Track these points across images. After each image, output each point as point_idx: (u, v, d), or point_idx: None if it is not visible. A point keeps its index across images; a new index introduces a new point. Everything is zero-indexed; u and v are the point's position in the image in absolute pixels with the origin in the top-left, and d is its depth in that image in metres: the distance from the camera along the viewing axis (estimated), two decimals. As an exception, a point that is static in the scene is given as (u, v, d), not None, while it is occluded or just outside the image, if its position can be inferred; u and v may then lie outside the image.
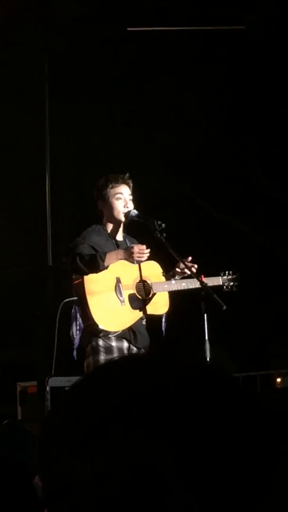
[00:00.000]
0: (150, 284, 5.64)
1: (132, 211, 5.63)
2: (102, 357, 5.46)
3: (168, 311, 5.73)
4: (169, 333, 5.81)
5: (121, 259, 5.51)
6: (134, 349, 5.57)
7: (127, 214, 5.63)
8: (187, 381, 0.97)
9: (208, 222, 7.57)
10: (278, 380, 7.18)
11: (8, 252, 8.01)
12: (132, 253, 5.49)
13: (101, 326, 5.43)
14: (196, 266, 5.63)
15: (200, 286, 5.47)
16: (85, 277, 5.46)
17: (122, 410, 0.93)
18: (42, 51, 8.24)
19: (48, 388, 2.42)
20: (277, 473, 0.96)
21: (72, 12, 7.97)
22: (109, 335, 5.49)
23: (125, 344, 5.55)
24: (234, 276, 5.95)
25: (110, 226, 5.73)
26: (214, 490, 0.92)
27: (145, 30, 7.93)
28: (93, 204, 5.78)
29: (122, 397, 0.94)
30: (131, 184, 5.72)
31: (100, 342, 5.48)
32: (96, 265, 5.38)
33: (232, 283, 5.93)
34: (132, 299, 5.60)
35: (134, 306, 5.59)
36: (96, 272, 5.43)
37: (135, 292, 5.61)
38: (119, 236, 5.76)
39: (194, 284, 5.56)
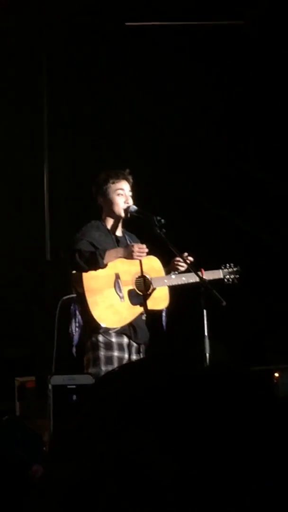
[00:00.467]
0: (150, 279, 5.65)
1: (131, 207, 5.65)
2: (102, 353, 5.46)
3: (168, 306, 5.74)
4: (169, 329, 5.81)
5: (120, 257, 5.52)
6: (134, 345, 5.58)
7: (126, 210, 5.65)
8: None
9: (207, 217, 7.57)
10: (276, 375, 7.19)
11: (6, 247, 8.00)
12: (132, 251, 5.50)
13: (100, 323, 5.44)
14: (191, 259, 5.64)
15: (198, 277, 5.48)
16: (84, 274, 5.45)
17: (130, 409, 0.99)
18: (40, 47, 8.22)
19: (50, 386, 2.44)
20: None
21: (70, 7, 7.96)
22: (109, 331, 5.49)
23: (125, 340, 5.55)
24: (235, 269, 5.95)
25: (109, 222, 5.73)
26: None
27: (144, 25, 7.92)
28: (91, 198, 5.78)
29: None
30: (131, 180, 5.74)
31: (100, 338, 5.49)
32: (95, 262, 5.38)
33: (233, 276, 5.93)
34: (132, 294, 5.60)
35: (133, 302, 5.59)
36: (96, 270, 5.43)
37: (134, 287, 5.62)
38: (118, 232, 5.77)
39: (194, 278, 5.57)
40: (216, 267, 5.92)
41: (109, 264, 5.47)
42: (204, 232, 6.09)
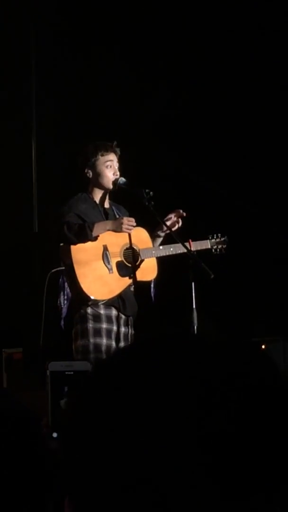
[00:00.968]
0: (138, 251, 5.65)
1: (120, 179, 5.64)
2: (91, 325, 5.47)
3: (156, 277, 5.75)
4: (158, 300, 5.82)
5: (109, 229, 5.51)
6: (123, 317, 5.59)
7: (115, 182, 5.63)
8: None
9: (194, 188, 7.55)
10: (263, 347, 7.22)
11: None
12: (121, 223, 5.50)
13: (90, 295, 5.43)
14: (180, 222, 5.68)
15: (186, 249, 5.49)
16: (72, 247, 5.45)
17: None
18: (28, 16, 8.14)
19: (48, 373, 2.45)
20: None
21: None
22: (98, 303, 5.49)
23: (114, 312, 5.55)
24: (222, 239, 5.98)
25: (96, 194, 5.72)
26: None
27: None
28: (78, 170, 5.75)
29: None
30: (118, 153, 5.72)
31: (89, 310, 5.49)
32: (85, 235, 5.38)
33: (221, 246, 5.96)
34: (120, 266, 5.60)
35: (122, 274, 5.59)
36: (84, 242, 5.42)
37: (122, 259, 5.62)
38: (106, 204, 5.76)
39: (181, 249, 5.58)
40: (205, 236, 5.95)
41: (96, 236, 5.48)
42: (191, 203, 6.08)
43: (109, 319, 5.52)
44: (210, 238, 5.97)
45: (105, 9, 8.00)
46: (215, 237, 5.98)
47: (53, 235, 5.64)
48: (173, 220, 5.74)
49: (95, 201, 5.69)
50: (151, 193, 5.54)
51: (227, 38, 7.79)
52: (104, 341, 5.46)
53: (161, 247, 5.73)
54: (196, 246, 5.73)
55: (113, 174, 5.64)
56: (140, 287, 5.69)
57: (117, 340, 5.53)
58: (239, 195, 7.64)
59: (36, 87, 8.13)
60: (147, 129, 7.77)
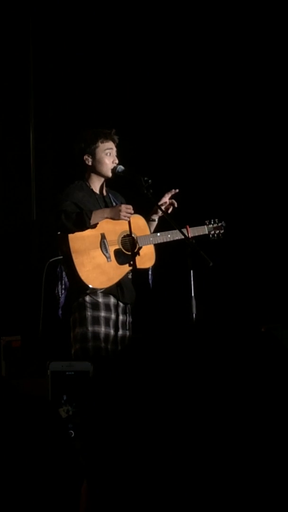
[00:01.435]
0: (135, 238, 5.64)
1: (119, 167, 5.63)
2: (89, 313, 5.47)
3: (154, 264, 5.75)
4: (156, 288, 5.82)
5: (107, 217, 5.51)
6: (121, 305, 5.58)
7: (114, 170, 5.63)
8: None
9: (190, 174, 7.54)
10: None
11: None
12: (120, 210, 5.49)
13: (88, 284, 5.43)
14: (175, 204, 5.68)
15: (184, 236, 5.49)
16: (70, 235, 5.43)
17: None
18: (26, 5, 8.11)
19: (49, 372, 2.45)
20: None
21: None
22: (97, 291, 5.49)
23: (112, 300, 5.55)
24: (219, 224, 5.98)
25: (94, 181, 5.71)
26: None
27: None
28: (75, 156, 5.74)
29: None
30: (116, 140, 5.72)
31: (87, 298, 5.49)
32: (82, 223, 5.37)
33: (218, 231, 5.96)
34: (118, 254, 5.60)
35: (120, 262, 5.59)
36: (82, 230, 5.41)
37: (120, 247, 5.61)
38: (103, 191, 5.75)
39: (179, 235, 5.57)
40: (201, 222, 5.95)
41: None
42: (187, 189, 6.07)
43: (107, 307, 5.52)
44: (207, 223, 5.97)
45: (104, 5, 7.97)
46: (212, 222, 5.97)
47: (51, 224, 5.63)
48: (168, 204, 5.74)
49: (92, 189, 5.68)
50: (149, 181, 5.54)
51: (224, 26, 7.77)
52: (102, 329, 5.46)
53: (158, 234, 5.73)
54: (193, 232, 5.73)
55: (112, 162, 5.64)
56: (138, 274, 5.69)
57: (116, 328, 5.53)
58: (237, 180, 7.63)
59: (34, 75, 8.10)
60: (143, 115, 7.75)
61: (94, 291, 5.47)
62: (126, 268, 5.60)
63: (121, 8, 7.94)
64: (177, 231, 5.57)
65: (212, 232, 5.94)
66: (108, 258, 5.55)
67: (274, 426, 0.93)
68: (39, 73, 8.14)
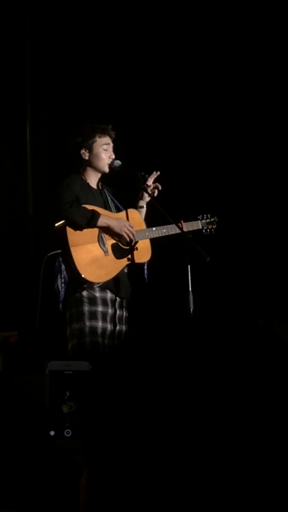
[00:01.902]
0: (132, 232, 5.65)
1: (116, 162, 5.64)
2: (86, 308, 5.46)
3: (149, 259, 5.77)
4: (153, 283, 5.83)
5: (109, 225, 5.51)
6: (118, 299, 5.59)
7: (111, 165, 5.63)
8: None
9: (184, 169, 7.55)
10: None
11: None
12: (124, 226, 5.52)
13: (86, 278, 5.42)
14: (159, 186, 5.68)
15: (180, 231, 5.50)
16: (68, 229, 5.43)
17: None
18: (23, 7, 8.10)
19: (47, 371, 2.45)
20: None
21: None
22: (94, 286, 5.49)
23: (109, 295, 5.55)
24: (212, 219, 6.02)
25: (90, 176, 5.71)
26: None
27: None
28: (70, 150, 5.74)
29: None
30: (113, 136, 5.72)
31: (84, 293, 5.48)
32: (94, 223, 5.40)
33: (211, 226, 6.00)
34: (115, 249, 5.60)
35: (117, 256, 5.60)
36: (87, 226, 5.41)
37: (117, 241, 5.62)
38: (99, 186, 5.75)
39: (174, 230, 5.59)
40: (195, 217, 5.98)
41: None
42: (181, 184, 6.08)
43: (104, 301, 5.52)
44: (200, 218, 6.00)
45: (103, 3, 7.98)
46: (205, 217, 6.01)
47: (50, 215, 5.62)
48: (152, 187, 5.76)
49: (88, 183, 5.68)
50: (146, 175, 5.56)
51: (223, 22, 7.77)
52: (99, 324, 5.46)
53: (154, 228, 5.75)
54: (187, 226, 5.76)
55: (109, 157, 5.64)
56: (133, 268, 5.70)
57: (113, 323, 5.53)
58: (233, 175, 7.64)
59: (31, 71, 8.10)
60: (139, 111, 7.75)
61: (91, 285, 5.47)
62: (124, 262, 5.61)
63: (118, 3, 7.94)
64: (172, 226, 5.58)
65: (205, 227, 5.98)
66: (105, 252, 5.55)
67: (272, 418, 0.93)
68: (36, 68, 8.13)
